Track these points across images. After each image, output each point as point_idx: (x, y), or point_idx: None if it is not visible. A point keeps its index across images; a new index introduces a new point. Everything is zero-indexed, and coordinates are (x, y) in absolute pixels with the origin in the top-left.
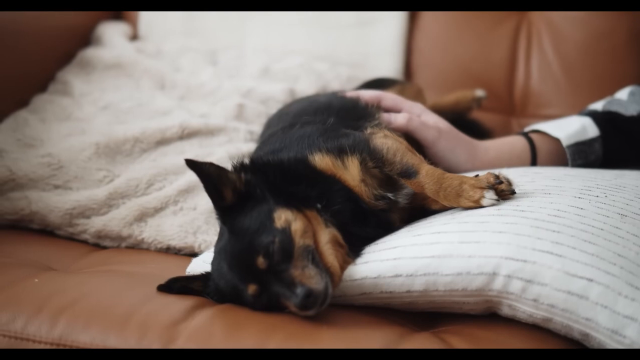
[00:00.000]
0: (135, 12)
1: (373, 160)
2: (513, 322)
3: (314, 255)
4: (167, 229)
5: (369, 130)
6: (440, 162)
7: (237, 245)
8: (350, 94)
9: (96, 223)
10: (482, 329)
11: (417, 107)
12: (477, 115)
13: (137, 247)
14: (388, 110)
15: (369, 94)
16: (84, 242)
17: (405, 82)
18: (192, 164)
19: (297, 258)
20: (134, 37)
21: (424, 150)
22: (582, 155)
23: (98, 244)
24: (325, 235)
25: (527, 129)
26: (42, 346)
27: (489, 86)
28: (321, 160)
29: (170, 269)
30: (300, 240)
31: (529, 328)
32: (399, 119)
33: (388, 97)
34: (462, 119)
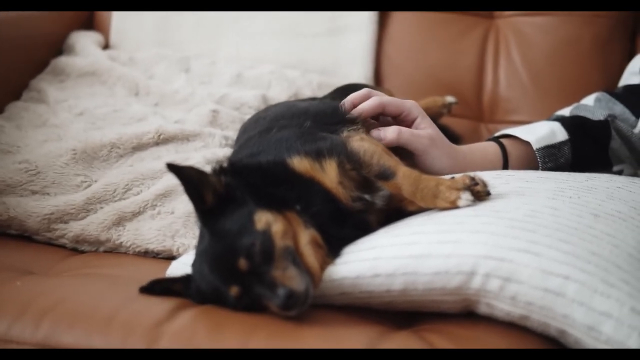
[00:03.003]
0: (107, 22)
1: (350, 162)
2: (490, 320)
3: (295, 257)
4: (145, 233)
5: (345, 134)
6: (425, 169)
7: (218, 248)
8: (348, 104)
9: (74, 228)
10: (460, 327)
11: (415, 109)
12: (447, 121)
13: (115, 251)
14: (392, 116)
15: (370, 105)
16: (62, 246)
17: (377, 88)
18: (172, 167)
19: (278, 259)
20: (106, 46)
21: (414, 157)
22: (552, 159)
23: (76, 249)
24: (305, 237)
25: (497, 134)
26: (26, 347)
27: (458, 92)
28: (299, 163)
29: (149, 272)
30: (280, 241)
31: (506, 326)
32: (388, 135)
33: (391, 103)
34: None
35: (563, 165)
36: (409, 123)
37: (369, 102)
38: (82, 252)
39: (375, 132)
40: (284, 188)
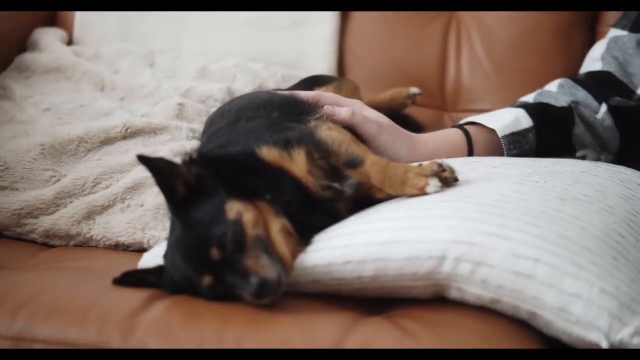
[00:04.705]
0: (70, 18)
1: (319, 151)
2: (461, 305)
3: (266, 245)
4: (115, 226)
5: (313, 123)
6: (381, 156)
7: (190, 238)
8: (287, 94)
9: (44, 222)
10: (431, 312)
11: (357, 104)
12: (411, 110)
13: (86, 244)
14: None
15: (306, 95)
16: (33, 241)
17: (342, 80)
18: (143, 159)
19: (250, 248)
20: (70, 42)
21: (366, 144)
22: (517, 146)
23: (47, 243)
24: (276, 225)
25: (462, 122)
26: (1, 341)
27: (421, 83)
28: (268, 153)
29: (121, 264)
30: (252, 230)
31: (477, 309)
32: (342, 113)
33: (327, 96)
34: (396, 115)
35: (528, 152)
36: None
37: (307, 92)
38: (53, 246)
39: (329, 108)
40: (254, 178)
